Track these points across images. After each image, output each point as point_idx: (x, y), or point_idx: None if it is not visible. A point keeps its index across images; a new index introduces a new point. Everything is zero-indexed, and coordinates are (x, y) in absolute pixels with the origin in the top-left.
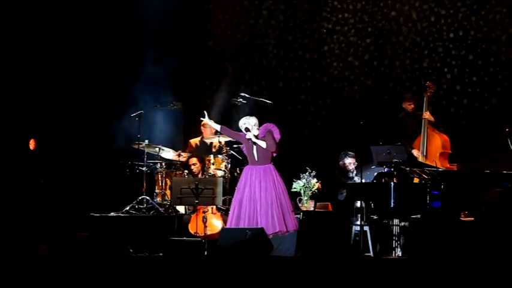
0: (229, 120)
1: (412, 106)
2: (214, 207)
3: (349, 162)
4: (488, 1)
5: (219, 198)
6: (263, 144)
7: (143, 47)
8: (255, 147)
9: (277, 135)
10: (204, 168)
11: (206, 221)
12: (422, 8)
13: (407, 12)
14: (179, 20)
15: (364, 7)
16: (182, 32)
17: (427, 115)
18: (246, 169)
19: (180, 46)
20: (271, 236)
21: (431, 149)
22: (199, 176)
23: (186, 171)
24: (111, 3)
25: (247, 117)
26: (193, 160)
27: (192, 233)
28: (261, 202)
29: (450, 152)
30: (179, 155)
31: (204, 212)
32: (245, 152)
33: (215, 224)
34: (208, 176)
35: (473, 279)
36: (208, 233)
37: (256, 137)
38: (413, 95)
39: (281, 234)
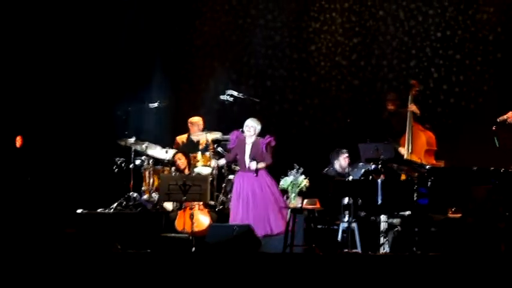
0: (216, 118)
1: (393, 107)
2: (202, 203)
3: (344, 157)
4: (476, 1)
5: (207, 195)
6: (263, 165)
7: (131, 45)
8: (247, 153)
9: (273, 144)
10: (189, 163)
11: (193, 217)
12: (410, 8)
13: (394, 11)
14: (167, 18)
15: (352, 7)
16: (170, 30)
17: (413, 108)
18: (238, 176)
19: (168, 44)
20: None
21: (417, 146)
22: (186, 171)
23: (173, 167)
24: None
25: (258, 122)
26: (179, 155)
27: (179, 230)
28: (259, 208)
29: (436, 149)
30: (166, 152)
31: (191, 209)
32: (237, 158)
33: (202, 220)
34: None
35: (462, 275)
36: (196, 229)
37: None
38: (395, 95)
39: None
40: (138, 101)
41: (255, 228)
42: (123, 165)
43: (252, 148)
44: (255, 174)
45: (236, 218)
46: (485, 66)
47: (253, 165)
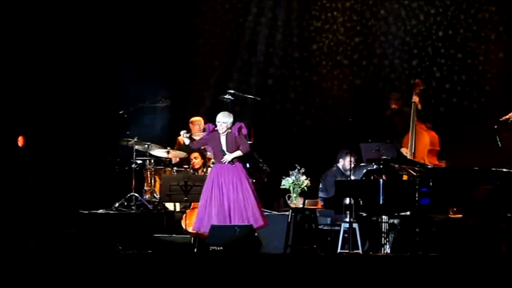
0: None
1: (396, 107)
2: None
3: (349, 160)
4: (478, 0)
5: None
6: (239, 153)
7: (132, 44)
8: (223, 146)
9: (245, 132)
10: (205, 164)
11: None
12: (412, 7)
13: (396, 11)
14: (168, 17)
15: (353, 6)
16: (171, 29)
17: (416, 99)
18: (214, 168)
19: (169, 43)
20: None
21: (420, 146)
22: (200, 171)
23: (175, 168)
24: None
25: (229, 115)
26: (195, 154)
27: (184, 228)
28: (239, 201)
29: (439, 149)
30: (168, 152)
31: None
32: (210, 151)
33: None
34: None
35: (463, 276)
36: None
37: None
38: (399, 95)
39: (261, 228)
40: (139, 101)
41: (235, 221)
42: (124, 165)
43: (226, 140)
44: (233, 165)
45: (210, 209)
46: (487, 66)
47: (227, 158)
